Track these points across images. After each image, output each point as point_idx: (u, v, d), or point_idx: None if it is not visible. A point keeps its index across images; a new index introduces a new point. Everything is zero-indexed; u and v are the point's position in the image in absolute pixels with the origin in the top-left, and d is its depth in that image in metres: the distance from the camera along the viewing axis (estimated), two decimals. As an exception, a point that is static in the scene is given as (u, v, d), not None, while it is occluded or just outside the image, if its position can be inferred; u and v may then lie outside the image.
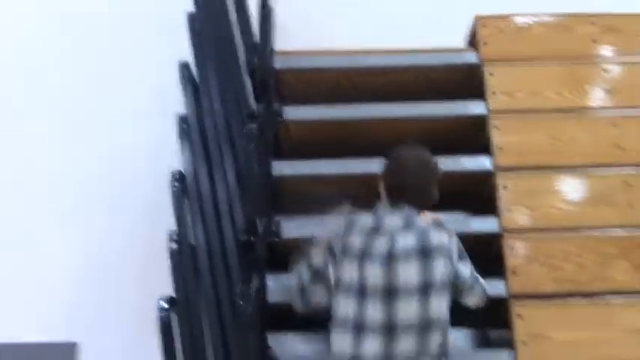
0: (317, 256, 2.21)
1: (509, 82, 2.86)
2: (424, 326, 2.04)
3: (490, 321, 2.62)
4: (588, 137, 2.77)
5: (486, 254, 2.64)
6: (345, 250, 2.13)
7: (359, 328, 2.05)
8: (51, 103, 3.54)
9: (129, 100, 3.49)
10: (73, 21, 3.65)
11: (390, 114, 2.81)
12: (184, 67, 2.79)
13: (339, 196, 2.30)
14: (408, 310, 2.04)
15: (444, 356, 2.08)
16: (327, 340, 2.57)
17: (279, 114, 2.72)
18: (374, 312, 2.05)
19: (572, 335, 2.47)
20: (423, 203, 2.21)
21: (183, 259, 2.49)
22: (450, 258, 2.13)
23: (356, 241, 2.13)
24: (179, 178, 2.61)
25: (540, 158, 2.73)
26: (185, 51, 2.89)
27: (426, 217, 2.19)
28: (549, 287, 2.54)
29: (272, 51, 2.73)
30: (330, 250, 2.18)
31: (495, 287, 2.54)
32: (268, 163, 2.60)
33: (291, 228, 2.62)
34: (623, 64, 2.91)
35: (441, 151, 2.48)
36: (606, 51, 2.94)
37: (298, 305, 2.26)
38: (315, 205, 2.48)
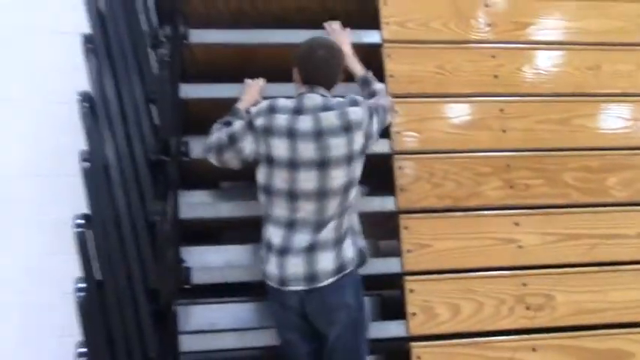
0: (237, 125, 2.48)
1: (401, 12, 3.04)
2: (347, 188, 2.43)
3: (382, 234, 2.92)
4: (470, 67, 3.04)
5: (379, 173, 2.92)
6: (270, 129, 2.42)
7: (292, 196, 2.39)
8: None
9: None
10: None
11: (287, 40, 2.88)
12: (87, -13, 2.78)
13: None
14: (338, 176, 2.40)
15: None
16: (233, 251, 2.84)
17: (186, 37, 2.79)
18: (306, 182, 2.39)
19: (450, 244, 2.80)
20: (333, 84, 2.55)
21: (96, 177, 2.58)
22: (369, 125, 2.49)
23: (281, 120, 2.42)
24: (87, 99, 2.67)
25: (427, 86, 2.97)
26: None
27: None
28: (432, 202, 2.85)
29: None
30: (250, 125, 2.46)
31: (386, 202, 2.84)
32: (176, 86, 2.69)
33: (199, 148, 2.76)
34: (504, -1, 3.19)
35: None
36: (488, -14, 3.19)
37: (214, 158, 2.53)
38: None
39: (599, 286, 2.87)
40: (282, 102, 2.48)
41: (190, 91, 2.82)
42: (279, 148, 2.41)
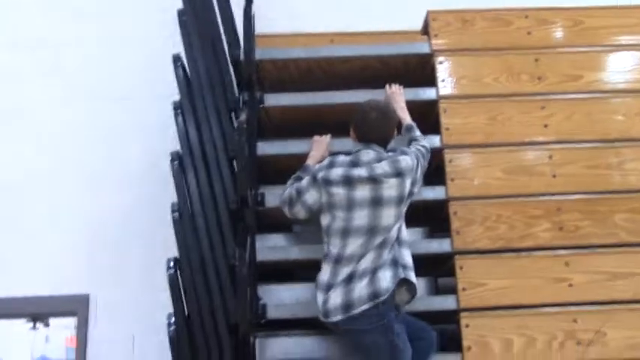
0: (304, 181, 2.86)
1: (455, 70, 3.33)
2: (393, 226, 2.74)
3: (440, 272, 3.18)
4: (521, 118, 3.28)
5: (435, 218, 3.20)
6: (329, 180, 2.77)
7: (345, 233, 2.72)
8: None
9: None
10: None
11: (350, 100, 3.17)
12: (177, 60, 3.21)
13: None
14: (389, 215, 2.72)
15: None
16: (303, 289, 3.16)
17: (262, 101, 3.17)
18: (360, 219, 2.71)
19: (503, 283, 3.03)
20: (387, 141, 2.89)
21: (184, 226, 2.98)
22: (415, 172, 2.82)
23: (339, 171, 2.78)
24: (177, 157, 3.08)
25: (480, 137, 3.23)
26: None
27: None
28: (485, 244, 3.09)
29: (254, 49, 3.14)
30: (314, 179, 2.82)
31: (442, 245, 3.10)
32: (254, 144, 3.06)
33: (273, 198, 3.12)
34: (552, 53, 3.40)
35: (399, 133, 3.03)
36: (538, 42, 3.43)
37: (286, 211, 2.92)
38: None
39: (648, 322, 3.03)
40: (341, 157, 2.84)
41: (266, 147, 3.19)
42: (338, 194, 2.75)
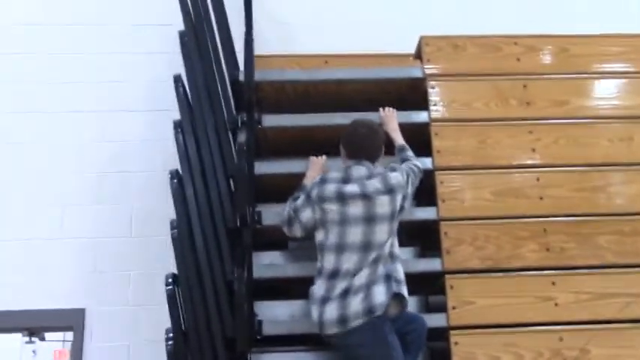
0: (299, 200, 2.97)
1: (447, 94, 3.45)
2: (386, 241, 2.84)
3: (430, 291, 3.27)
4: (509, 141, 3.40)
5: (426, 237, 3.30)
6: (322, 197, 2.88)
7: (340, 249, 2.82)
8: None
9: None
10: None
11: (344, 121, 3.18)
12: (177, 80, 3.30)
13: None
14: (382, 231, 2.82)
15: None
16: (298, 305, 3.24)
17: (260, 122, 3.27)
18: (354, 235, 2.81)
19: (491, 301, 3.12)
20: (376, 158, 3.00)
21: (182, 242, 3.05)
22: (405, 188, 2.94)
23: (331, 187, 2.89)
24: (176, 176, 3.16)
25: (470, 159, 3.34)
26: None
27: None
28: (475, 264, 3.19)
29: (253, 72, 3.23)
30: (308, 197, 2.94)
31: (433, 264, 3.19)
32: (252, 164, 3.15)
33: (269, 215, 3.20)
34: (541, 79, 3.52)
35: (393, 153, 3.13)
36: (526, 68, 3.55)
37: (286, 230, 3.02)
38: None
39: (632, 341, 3.13)
40: (332, 174, 2.96)
41: (263, 167, 3.27)
42: (331, 211, 2.86)
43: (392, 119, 3.29)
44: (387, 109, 3.33)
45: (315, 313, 2.81)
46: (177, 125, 3.21)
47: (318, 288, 2.84)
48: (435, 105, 3.41)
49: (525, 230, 3.25)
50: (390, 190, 2.86)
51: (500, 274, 3.18)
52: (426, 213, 3.27)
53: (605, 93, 3.54)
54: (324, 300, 2.79)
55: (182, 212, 3.10)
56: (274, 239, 3.41)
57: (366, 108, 3.35)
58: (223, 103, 3.25)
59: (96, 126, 3.98)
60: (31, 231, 3.79)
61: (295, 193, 3.06)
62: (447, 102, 3.43)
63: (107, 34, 4.16)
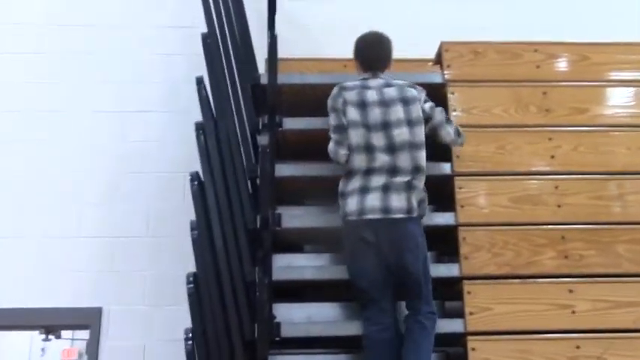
0: (331, 119, 3.12)
1: (466, 100, 3.46)
2: (411, 145, 3.01)
3: (447, 296, 3.27)
4: (528, 148, 3.40)
5: (444, 243, 3.30)
6: (345, 102, 3.07)
7: (369, 149, 3.00)
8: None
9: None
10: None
11: None
12: (200, 82, 3.31)
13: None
14: (401, 134, 2.99)
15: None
16: (315, 308, 3.25)
17: (281, 125, 3.28)
18: (377, 139, 3.00)
19: (509, 308, 3.12)
20: (386, 64, 3.21)
21: (202, 243, 3.07)
22: (423, 105, 3.11)
23: (352, 94, 3.09)
24: (196, 178, 3.17)
25: (489, 165, 3.35)
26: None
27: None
28: (492, 270, 3.18)
29: (276, 75, 3.25)
30: (333, 109, 3.12)
31: (451, 269, 3.20)
32: (273, 167, 3.16)
33: (289, 219, 3.22)
34: (560, 87, 3.53)
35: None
36: (546, 75, 3.56)
37: (335, 158, 3.09)
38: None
39: (649, 350, 3.13)
40: (350, 83, 3.14)
41: (283, 169, 3.28)
42: (354, 114, 3.04)
43: None
44: None
45: (352, 202, 2.94)
46: (199, 127, 3.23)
47: (354, 181, 2.98)
48: (454, 110, 3.42)
49: (543, 237, 3.24)
50: (403, 100, 3.06)
51: (518, 280, 3.18)
52: (444, 218, 3.28)
53: (625, 101, 3.54)
54: (363, 190, 2.95)
55: (202, 213, 3.12)
56: (291, 242, 3.44)
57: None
58: (245, 107, 3.26)
59: (114, 126, 4.03)
60: (48, 229, 3.83)
61: None
62: (467, 108, 3.44)
63: (126, 35, 4.21)
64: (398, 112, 3.03)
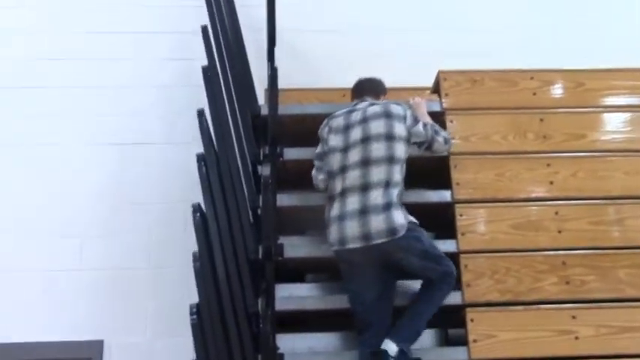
0: (319, 148, 3.24)
1: (465, 128, 3.49)
2: (389, 160, 3.00)
3: (450, 323, 3.27)
4: (527, 174, 3.43)
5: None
6: (330, 129, 3.18)
7: (343, 169, 3.04)
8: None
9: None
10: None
11: None
12: (201, 114, 3.33)
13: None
14: (379, 149, 3.00)
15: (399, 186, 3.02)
16: (317, 338, 3.24)
17: (281, 155, 3.30)
18: (353, 155, 3.04)
19: (512, 335, 3.12)
20: (377, 92, 3.34)
21: (205, 275, 3.06)
22: (404, 120, 3.11)
23: (339, 120, 3.19)
24: (198, 210, 3.18)
25: (489, 192, 3.37)
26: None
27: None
28: (495, 296, 3.19)
29: (277, 106, 3.28)
30: (322, 138, 3.23)
31: (454, 297, 3.19)
32: (274, 197, 3.17)
33: (291, 249, 3.23)
34: (557, 113, 3.57)
35: (413, 186, 3.17)
36: (543, 102, 3.59)
37: (317, 186, 3.22)
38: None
39: (654, 376, 3.12)
40: (340, 111, 3.24)
41: (284, 199, 3.30)
42: (335, 140, 3.12)
43: (421, 106, 3.35)
44: (416, 97, 3.41)
45: (333, 231, 2.98)
46: (201, 158, 3.24)
47: (333, 209, 3.01)
48: (453, 138, 3.43)
49: (545, 263, 3.26)
50: (387, 114, 3.08)
51: (521, 307, 3.18)
52: (445, 246, 3.27)
53: (621, 126, 3.58)
54: (341, 217, 2.96)
55: (204, 245, 3.12)
56: (293, 271, 3.44)
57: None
58: (244, 137, 3.28)
59: (115, 158, 4.03)
60: (50, 262, 3.80)
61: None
62: (466, 135, 3.47)
63: (126, 67, 4.23)
64: (379, 126, 3.06)
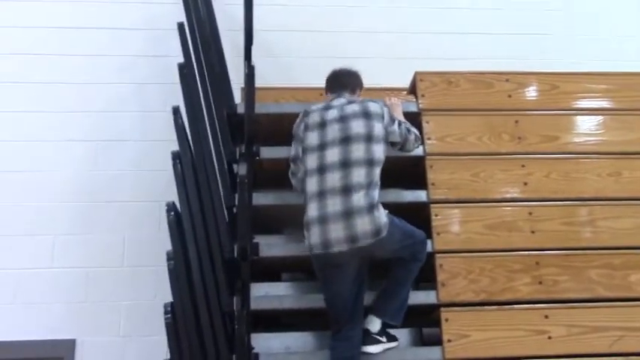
0: (292, 148, 3.19)
1: (441, 128, 3.50)
2: (369, 162, 2.97)
3: (425, 323, 3.28)
4: (502, 175, 3.45)
5: (421, 270, 3.31)
6: (307, 126, 3.11)
7: (321, 170, 2.97)
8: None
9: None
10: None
11: None
12: (176, 111, 3.31)
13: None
14: (359, 150, 2.96)
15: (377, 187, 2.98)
16: (292, 337, 3.23)
17: (258, 154, 3.29)
18: (332, 156, 2.97)
19: (486, 335, 3.14)
20: (353, 87, 3.29)
21: (179, 274, 3.04)
22: (382, 119, 3.09)
23: (315, 116, 3.12)
24: (173, 208, 3.15)
25: (464, 192, 3.39)
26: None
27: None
28: (469, 296, 3.21)
29: (254, 105, 3.26)
30: (297, 136, 3.16)
31: (428, 296, 3.21)
32: (250, 196, 3.16)
33: (266, 247, 3.21)
34: (532, 115, 3.60)
35: (389, 186, 3.18)
36: (518, 104, 3.63)
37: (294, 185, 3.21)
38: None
39: (624, 375, 3.17)
40: (315, 106, 3.19)
41: (260, 198, 3.29)
42: (312, 138, 3.06)
43: (397, 106, 3.38)
44: (392, 98, 3.44)
45: (314, 234, 2.89)
46: (176, 156, 3.22)
47: (311, 210, 2.93)
48: (429, 139, 3.46)
49: (519, 263, 3.28)
50: (366, 114, 3.04)
51: (495, 307, 3.20)
52: (421, 246, 3.30)
53: (594, 129, 3.62)
54: (322, 220, 2.88)
55: (178, 243, 3.09)
56: (268, 270, 3.43)
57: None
58: (222, 136, 3.26)
59: (89, 155, 3.99)
60: (21, 261, 3.76)
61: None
62: (441, 136, 3.48)
63: (100, 64, 4.19)
64: (359, 126, 3.02)
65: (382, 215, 2.90)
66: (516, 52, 4.31)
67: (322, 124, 3.07)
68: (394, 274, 3.06)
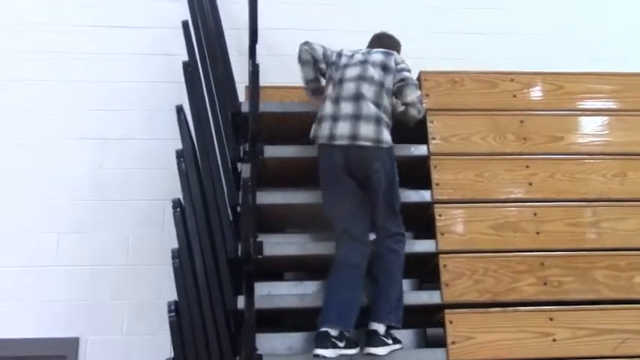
0: (319, 50, 3.47)
1: (445, 128, 3.49)
2: (380, 84, 3.24)
3: (428, 324, 3.27)
4: (506, 175, 3.44)
5: (425, 270, 3.32)
6: (334, 62, 3.39)
7: (341, 81, 3.27)
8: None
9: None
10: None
11: None
12: (180, 110, 3.31)
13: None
14: (374, 73, 3.26)
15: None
16: (295, 338, 3.23)
17: (262, 153, 3.28)
18: (352, 72, 3.29)
19: (490, 337, 3.12)
20: (388, 47, 3.48)
21: (184, 272, 3.04)
22: (394, 71, 3.31)
23: (344, 59, 3.38)
24: (178, 205, 3.15)
25: (469, 193, 3.38)
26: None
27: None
28: (473, 297, 3.20)
29: (258, 104, 3.26)
30: (325, 56, 3.45)
31: (432, 296, 3.20)
32: (254, 195, 3.15)
33: (270, 247, 3.20)
34: (537, 115, 3.59)
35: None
36: (523, 104, 3.62)
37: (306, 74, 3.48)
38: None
39: (630, 377, 3.15)
40: (346, 50, 3.44)
41: (264, 197, 3.28)
42: (344, 59, 3.36)
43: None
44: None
45: (325, 127, 3.16)
46: (180, 154, 3.22)
47: (326, 109, 3.21)
48: (434, 139, 3.45)
49: (523, 264, 3.27)
50: (383, 67, 3.29)
51: (499, 309, 3.19)
52: (424, 246, 3.29)
53: (599, 129, 3.60)
54: (334, 118, 3.16)
55: (184, 241, 3.09)
56: (271, 269, 3.42)
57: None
58: (226, 134, 3.26)
59: (93, 153, 3.98)
60: (26, 258, 3.76)
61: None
62: (446, 136, 3.48)
63: (106, 62, 4.18)
64: (378, 57, 3.33)
65: (387, 134, 3.16)
66: (521, 52, 4.29)
67: (347, 65, 3.34)
68: (382, 270, 3.09)
